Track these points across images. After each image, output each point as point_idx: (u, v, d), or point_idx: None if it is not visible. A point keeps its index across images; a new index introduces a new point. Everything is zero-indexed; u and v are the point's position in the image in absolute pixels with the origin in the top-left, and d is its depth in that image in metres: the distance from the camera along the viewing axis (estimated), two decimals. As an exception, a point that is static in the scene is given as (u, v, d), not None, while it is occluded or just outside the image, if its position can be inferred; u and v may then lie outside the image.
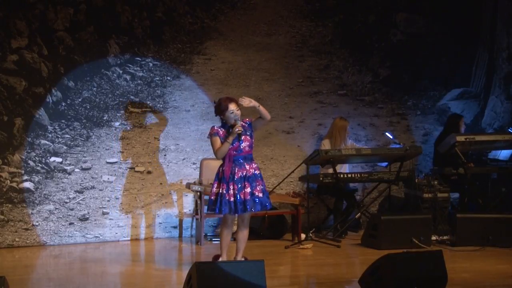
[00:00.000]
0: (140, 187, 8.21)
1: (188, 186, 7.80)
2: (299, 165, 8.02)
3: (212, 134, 5.99)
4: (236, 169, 5.99)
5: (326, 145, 8.28)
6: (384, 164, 8.42)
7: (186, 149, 8.38)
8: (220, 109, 5.99)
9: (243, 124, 6.04)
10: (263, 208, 6.08)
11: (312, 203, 8.51)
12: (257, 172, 6.09)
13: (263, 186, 6.10)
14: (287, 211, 8.07)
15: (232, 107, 5.97)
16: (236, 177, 6.00)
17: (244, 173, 6.02)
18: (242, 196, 5.99)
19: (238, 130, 5.93)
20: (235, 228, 6.46)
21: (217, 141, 5.96)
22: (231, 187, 5.98)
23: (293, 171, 8.05)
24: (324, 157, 7.71)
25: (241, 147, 6.02)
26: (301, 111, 8.84)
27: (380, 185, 8.31)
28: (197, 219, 7.84)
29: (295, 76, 8.83)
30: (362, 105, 9.07)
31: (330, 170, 7.98)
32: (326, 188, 8.22)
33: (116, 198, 8.11)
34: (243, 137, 6.01)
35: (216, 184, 6.07)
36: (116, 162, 8.13)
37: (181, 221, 8.31)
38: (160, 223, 8.27)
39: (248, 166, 6.05)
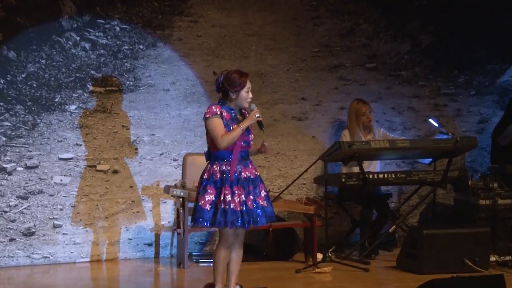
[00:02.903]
0: (103, 192, 8.20)
1: (167, 190, 7.79)
2: (315, 162, 8.00)
3: (213, 115, 5.93)
4: (241, 167, 6.02)
5: (348, 136, 8.35)
6: (427, 160, 8.40)
7: (165, 141, 8.40)
8: (233, 85, 5.94)
9: (244, 111, 6.10)
10: (268, 221, 6.09)
11: (332, 213, 8.62)
12: (258, 173, 6.13)
13: (266, 191, 6.13)
14: (299, 223, 8.11)
15: (249, 84, 6.00)
16: (242, 178, 6.00)
17: (248, 174, 6.03)
18: (249, 204, 5.98)
19: (259, 117, 5.97)
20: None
21: (221, 124, 5.93)
22: (237, 191, 5.96)
23: (306, 170, 8.01)
24: (347, 152, 7.68)
25: (250, 137, 6.06)
26: (317, 90, 8.87)
27: (421, 188, 8.29)
28: (178, 233, 7.77)
29: (309, 44, 8.85)
30: (398, 83, 9.11)
31: (356, 169, 7.99)
32: (350, 192, 8.23)
33: (72, 206, 8.10)
34: (250, 127, 6.07)
35: (210, 190, 5.97)
36: (71, 159, 8.12)
37: (157, 237, 8.34)
38: (129, 239, 8.29)
39: (251, 166, 6.08)
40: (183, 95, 8.41)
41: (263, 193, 6.05)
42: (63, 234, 8.05)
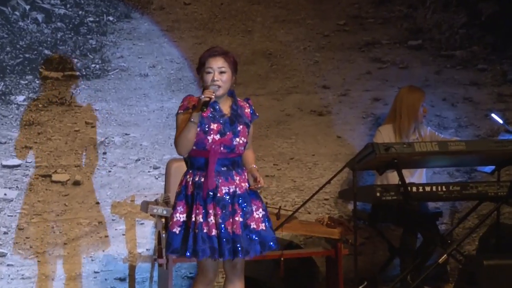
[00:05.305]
0: (61, 210, 8.20)
1: (145, 207, 7.57)
2: (340, 170, 7.85)
3: (184, 110, 6.02)
4: (221, 180, 5.99)
5: (386, 135, 8.30)
6: (489, 168, 8.30)
7: (142, 142, 8.44)
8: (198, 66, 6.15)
9: (243, 104, 6.13)
10: (266, 250, 6.03)
11: (363, 238, 8.65)
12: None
13: (264, 210, 6.08)
14: (319, 251, 8.06)
15: (213, 63, 5.97)
16: (219, 194, 5.95)
17: (233, 189, 6.00)
18: (230, 228, 5.94)
19: (205, 97, 5.87)
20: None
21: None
22: (211, 211, 5.92)
23: (329, 181, 7.87)
24: (383, 157, 7.57)
25: (235, 142, 5.99)
26: (343, 76, 8.87)
27: (481, 205, 8.19)
28: (160, 265, 7.54)
29: (332, 15, 8.88)
30: (450, 66, 9.11)
31: (394, 179, 7.84)
32: (387, 210, 8.17)
33: (20, 229, 8.11)
34: (240, 127, 6.01)
35: (181, 207, 6.01)
36: (18, 166, 8.16)
37: (132, 269, 8.35)
38: (95, 272, 8.29)
39: (238, 178, 6.02)
40: (166, 82, 8.47)
41: (258, 213, 6.00)
42: (8, 265, 8.08)
